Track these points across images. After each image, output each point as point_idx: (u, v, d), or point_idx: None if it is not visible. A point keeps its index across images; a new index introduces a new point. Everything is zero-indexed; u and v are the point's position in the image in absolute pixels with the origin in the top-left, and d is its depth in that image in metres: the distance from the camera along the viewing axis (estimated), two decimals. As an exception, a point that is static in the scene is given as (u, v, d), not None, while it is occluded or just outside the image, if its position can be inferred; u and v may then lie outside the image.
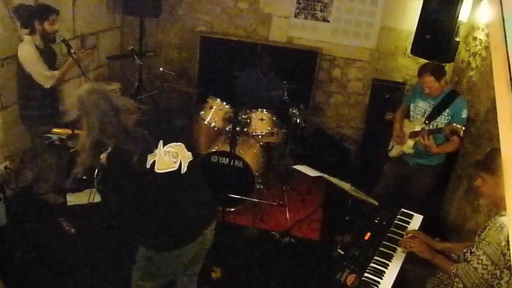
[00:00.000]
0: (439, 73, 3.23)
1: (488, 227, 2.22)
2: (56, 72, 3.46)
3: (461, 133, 3.03)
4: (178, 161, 2.13)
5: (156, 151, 2.06)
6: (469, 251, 2.31)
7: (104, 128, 1.95)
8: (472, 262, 2.17)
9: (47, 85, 3.41)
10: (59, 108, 3.90)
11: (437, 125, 3.30)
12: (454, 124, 3.09)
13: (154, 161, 2.05)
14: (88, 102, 1.97)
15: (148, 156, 2.04)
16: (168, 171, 2.08)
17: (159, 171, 2.05)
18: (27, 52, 3.36)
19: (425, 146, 3.20)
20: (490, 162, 2.23)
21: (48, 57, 3.58)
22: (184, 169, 2.14)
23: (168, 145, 2.12)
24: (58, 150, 3.80)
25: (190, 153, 2.20)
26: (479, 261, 2.14)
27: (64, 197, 3.98)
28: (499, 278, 2.11)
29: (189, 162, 2.18)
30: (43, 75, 3.39)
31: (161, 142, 2.09)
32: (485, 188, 2.28)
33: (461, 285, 2.21)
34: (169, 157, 2.10)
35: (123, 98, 2.12)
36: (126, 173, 2.03)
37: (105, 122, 1.94)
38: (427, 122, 3.35)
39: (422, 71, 3.27)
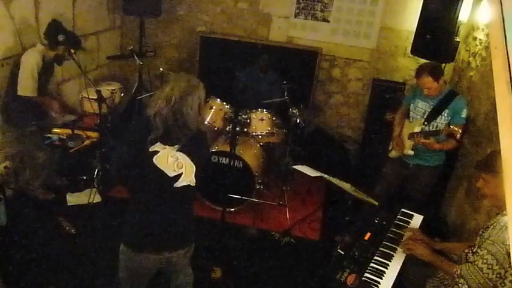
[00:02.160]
0: (437, 73, 3.22)
1: (491, 226, 2.22)
2: (35, 95, 3.48)
3: (458, 135, 3.02)
4: (177, 173, 2.10)
5: (168, 148, 2.08)
6: (470, 251, 2.30)
7: (166, 105, 2.04)
8: (476, 262, 2.17)
9: (19, 93, 3.44)
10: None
11: (437, 126, 3.30)
12: (452, 126, 3.07)
13: (157, 151, 2.07)
14: (187, 86, 2.09)
15: (158, 144, 2.07)
16: (162, 171, 2.09)
17: (155, 162, 2.07)
18: (33, 59, 3.43)
19: (426, 144, 3.20)
20: (492, 163, 2.23)
21: (48, 72, 3.67)
22: (178, 184, 2.12)
23: (182, 155, 2.11)
24: (49, 148, 3.81)
25: (195, 180, 2.17)
26: (485, 261, 2.13)
27: (55, 193, 3.98)
28: (504, 277, 2.11)
29: (189, 188, 2.16)
30: (26, 85, 3.42)
31: (178, 146, 2.09)
32: (487, 189, 2.28)
33: (466, 287, 2.20)
34: (173, 162, 2.09)
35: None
36: (137, 134, 2.15)
37: (171, 105, 2.04)
38: (426, 122, 3.34)
39: (420, 72, 3.25)
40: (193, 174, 2.15)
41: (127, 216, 2.26)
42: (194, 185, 2.17)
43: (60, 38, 3.49)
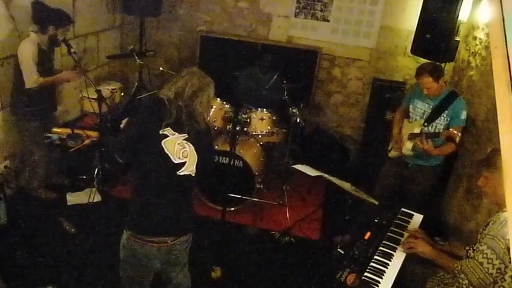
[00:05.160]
0: (437, 73, 3.21)
1: (491, 222, 2.23)
2: (41, 79, 3.46)
3: (457, 139, 3.01)
4: (182, 161, 2.16)
5: (176, 135, 2.14)
6: (471, 249, 2.31)
7: (177, 99, 2.12)
8: (477, 257, 2.18)
9: (27, 86, 3.43)
10: (52, 107, 3.88)
11: (436, 126, 3.29)
12: (451, 130, 3.06)
13: (166, 135, 2.12)
14: (200, 82, 2.20)
15: (169, 129, 2.13)
16: (168, 156, 2.13)
17: (163, 146, 2.12)
18: (27, 50, 3.40)
19: (424, 150, 3.19)
20: (493, 161, 2.24)
21: (49, 57, 3.62)
22: (181, 172, 2.17)
23: (189, 144, 2.17)
24: (49, 147, 3.81)
25: (195, 171, 2.22)
26: (485, 256, 2.14)
27: (56, 192, 3.99)
28: (504, 273, 2.11)
29: (190, 178, 2.21)
30: (29, 76, 3.41)
31: (185, 135, 2.16)
32: (488, 188, 2.29)
33: (466, 282, 2.21)
34: (179, 149, 2.15)
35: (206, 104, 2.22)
36: (148, 118, 2.20)
37: (183, 99, 2.12)
38: (426, 123, 3.34)
39: (420, 71, 3.24)
40: (195, 165, 2.21)
41: (132, 204, 2.28)
42: (194, 175, 2.22)
43: (51, 30, 3.46)
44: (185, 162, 2.16)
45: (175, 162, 2.14)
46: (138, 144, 2.16)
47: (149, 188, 2.21)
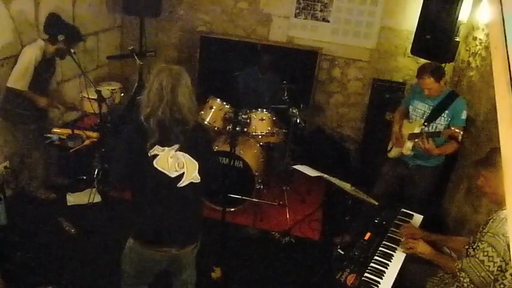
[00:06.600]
0: (438, 74, 3.20)
1: (491, 220, 2.23)
2: (25, 91, 3.43)
3: (460, 137, 3.00)
4: (180, 172, 2.10)
5: (166, 149, 2.07)
6: (471, 247, 2.31)
7: (159, 103, 2.02)
8: (477, 255, 2.18)
9: (8, 84, 3.41)
10: (46, 110, 3.85)
11: (436, 127, 3.29)
12: (453, 128, 3.06)
13: (156, 155, 2.05)
14: (172, 77, 2.07)
15: (156, 147, 2.05)
16: (164, 173, 2.08)
17: (156, 166, 2.06)
18: (31, 54, 3.41)
19: (425, 149, 3.18)
20: (492, 160, 2.24)
21: (47, 68, 3.63)
22: (182, 183, 2.11)
23: (182, 154, 2.10)
24: (49, 147, 3.81)
25: (199, 177, 2.15)
26: (485, 253, 2.15)
27: (55, 192, 3.98)
28: (504, 270, 2.11)
29: (194, 185, 2.15)
30: (17, 78, 3.40)
31: (177, 146, 2.08)
32: (488, 187, 2.29)
33: (467, 280, 2.21)
34: (173, 162, 2.08)
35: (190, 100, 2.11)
36: (132, 143, 2.12)
37: (165, 100, 2.03)
38: (426, 123, 3.33)
39: (421, 71, 3.23)
40: (197, 171, 2.14)
41: (135, 212, 2.24)
42: (198, 181, 2.15)
43: (60, 38, 3.49)
44: (183, 173, 2.10)
45: (173, 176, 2.08)
46: (132, 174, 2.12)
47: (152, 205, 2.16)
